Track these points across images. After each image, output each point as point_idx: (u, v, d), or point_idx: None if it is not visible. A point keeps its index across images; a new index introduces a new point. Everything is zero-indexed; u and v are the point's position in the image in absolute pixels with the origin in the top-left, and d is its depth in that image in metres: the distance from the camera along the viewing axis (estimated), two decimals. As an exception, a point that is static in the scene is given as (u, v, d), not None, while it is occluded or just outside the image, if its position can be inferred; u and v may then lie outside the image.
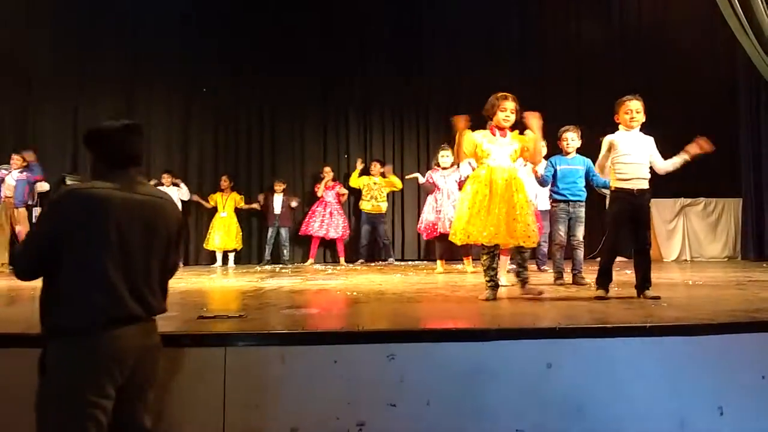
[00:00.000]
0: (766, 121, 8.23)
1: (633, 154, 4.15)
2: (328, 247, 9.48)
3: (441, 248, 6.94)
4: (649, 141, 4.29)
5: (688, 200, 8.78)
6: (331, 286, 5.42)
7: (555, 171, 5.38)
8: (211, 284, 5.87)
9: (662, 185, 8.58)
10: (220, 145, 9.63)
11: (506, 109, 4.14)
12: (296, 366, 2.73)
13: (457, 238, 4.19)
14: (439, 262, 7.00)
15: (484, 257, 4.17)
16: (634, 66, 9.16)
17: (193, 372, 2.70)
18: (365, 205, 8.97)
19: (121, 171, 2.16)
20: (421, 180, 7.34)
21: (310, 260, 8.95)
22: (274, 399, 2.69)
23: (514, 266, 4.84)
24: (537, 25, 9.82)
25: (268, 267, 8.25)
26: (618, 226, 4.18)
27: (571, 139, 5.39)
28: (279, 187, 9.22)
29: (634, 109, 4.18)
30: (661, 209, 8.69)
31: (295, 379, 2.71)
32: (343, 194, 9.28)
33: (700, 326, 3.01)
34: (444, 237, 6.18)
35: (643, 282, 4.09)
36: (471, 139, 4.13)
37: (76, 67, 9.02)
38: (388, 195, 9.13)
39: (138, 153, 2.23)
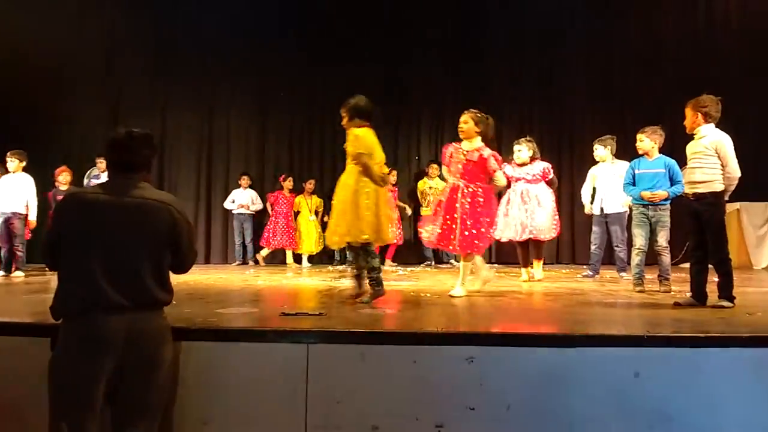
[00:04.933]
0: None
1: None
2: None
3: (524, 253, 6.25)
4: None
5: (781, 204, 8.27)
6: (403, 287, 5.45)
7: (634, 174, 5.22)
8: (288, 283, 6.01)
9: (753, 189, 8.23)
10: (294, 148, 9.82)
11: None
12: (376, 364, 2.76)
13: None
14: (524, 269, 6.22)
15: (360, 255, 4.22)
16: (720, 62, 8.73)
17: (277, 367, 2.78)
18: (427, 212, 8.43)
19: (121, 176, 2.50)
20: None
21: (388, 261, 8.75)
22: (354, 396, 2.72)
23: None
24: (606, 19, 9.49)
25: (339, 267, 8.37)
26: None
27: (640, 140, 5.25)
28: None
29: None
30: (751, 214, 8.22)
31: (375, 378, 2.74)
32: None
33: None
34: (528, 242, 6.12)
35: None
36: None
37: (157, 76, 9.45)
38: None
39: (138, 160, 2.51)
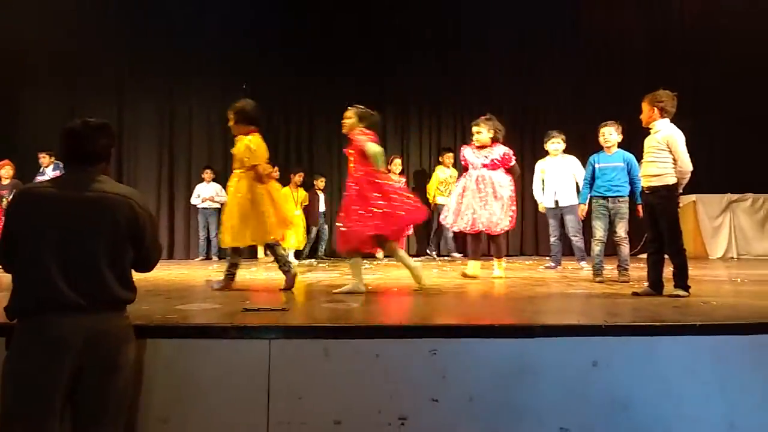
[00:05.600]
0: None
1: None
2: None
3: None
4: None
5: (735, 196, 8.52)
6: (369, 280, 5.43)
7: (594, 168, 5.34)
8: (252, 278, 5.95)
9: (708, 181, 8.47)
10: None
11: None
12: (339, 359, 2.74)
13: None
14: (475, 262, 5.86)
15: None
16: (682, 58, 8.94)
17: (238, 363, 2.75)
18: (442, 199, 8.21)
19: (78, 169, 2.39)
20: None
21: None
22: (317, 391, 2.70)
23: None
24: (575, 18, 9.63)
25: (305, 262, 8.31)
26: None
27: (609, 134, 5.35)
28: (321, 183, 9.22)
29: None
30: (706, 205, 8.46)
31: (338, 372, 2.72)
32: None
33: (750, 325, 2.92)
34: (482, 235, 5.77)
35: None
36: None
37: (118, 65, 9.21)
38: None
39: (95, 151, 2.40)
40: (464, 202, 5.57)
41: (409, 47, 9.53)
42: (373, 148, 4.39)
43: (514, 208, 5.63)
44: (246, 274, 6.18)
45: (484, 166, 5.55)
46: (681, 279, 3.99)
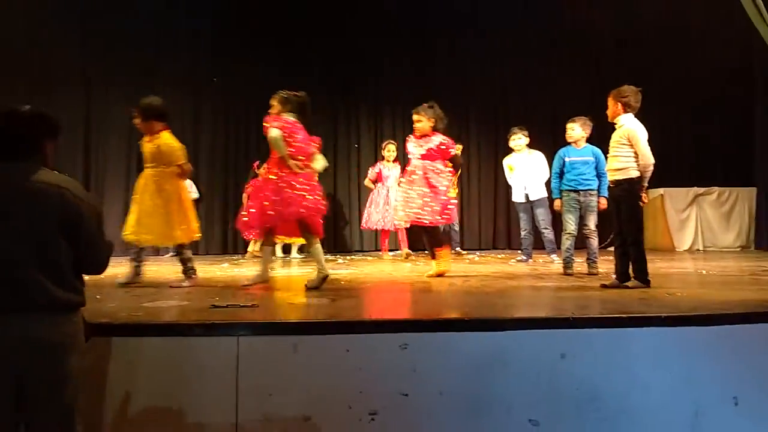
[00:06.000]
0: (780, 110, 8.14)
1: None
2: (339, 235, 9.43)
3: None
4: None
5: (702, 189, 8.69)
6: (342, 275, 5.42)
7: (563, 162, 5.40)
8: (223, 274, 5.88)
9: (675, 175, 8.62)
10: (231, 138, 9.56)
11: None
12: (309, 355, 2.72)
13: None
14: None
15: None
16: (647, 53, 9.06)
17: (206, 361, 2.71)
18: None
19: (7, 160, 2.10)
20: None
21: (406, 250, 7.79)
22: (286, 388, 2.68)
23: None
24: (546, 15, 9.68)
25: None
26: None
27: (571, 129, 5.46)
28: None
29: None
30: (673, 198, 8.62)
31: (307, 368, 2.70)
32: None
33: (715, 316, 2.98)
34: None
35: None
36: None
37: (83, 58, 8.97)
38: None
39: (23, 142, 2.12)
40: (405, 195, 5.28)
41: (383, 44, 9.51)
42: (271, 133, 4.28)
43: (444, 199, 5.17)
44: (216, 270, 6.12)
45: (422, 156, 5.20)
46: (639, 271, 4.06)
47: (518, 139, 6.81)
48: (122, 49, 8.79)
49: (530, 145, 6.93)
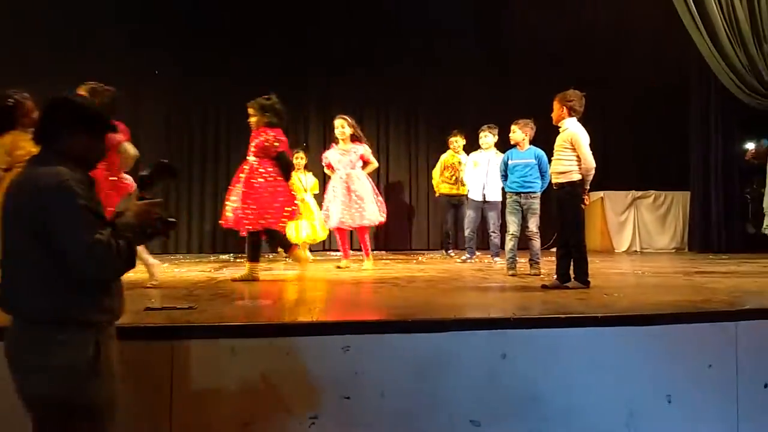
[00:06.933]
0: (714, 118, 8.47)
1: None
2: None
3: None
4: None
5: (639, 193, 8.99)
6: (289, 276, 5.34)
7: (507, 164, 5.48)
8: (169, 275, 5.68)
9: (615, 178, 8.88)
10: (173, 137, 9.28)
11: None
12: (247, 359, 2.65)
13: None
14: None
15: None
16: (591, 61, 9.29)
17: (139, 367, 2.59)
18: (445, 188, 7.59)
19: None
20: None
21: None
22: (224, 393, 2.60)
23: None
24: (497, 20, 9.80)
25: (224, 257, 8.06)
26: None
27: (511, 132, 5.52)
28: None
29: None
30: (613, 201, 8.87)
31: (246, 373, 2.63)
32: None
33: (649, 316, 3.06)
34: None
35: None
36: None
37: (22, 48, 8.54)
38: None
39: (41, 128, 1.93)
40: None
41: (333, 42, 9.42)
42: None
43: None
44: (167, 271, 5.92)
45: (252, 152, 4.89)
46: (580, 272, 4.15)
47: (486, 137, 6.82)
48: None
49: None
